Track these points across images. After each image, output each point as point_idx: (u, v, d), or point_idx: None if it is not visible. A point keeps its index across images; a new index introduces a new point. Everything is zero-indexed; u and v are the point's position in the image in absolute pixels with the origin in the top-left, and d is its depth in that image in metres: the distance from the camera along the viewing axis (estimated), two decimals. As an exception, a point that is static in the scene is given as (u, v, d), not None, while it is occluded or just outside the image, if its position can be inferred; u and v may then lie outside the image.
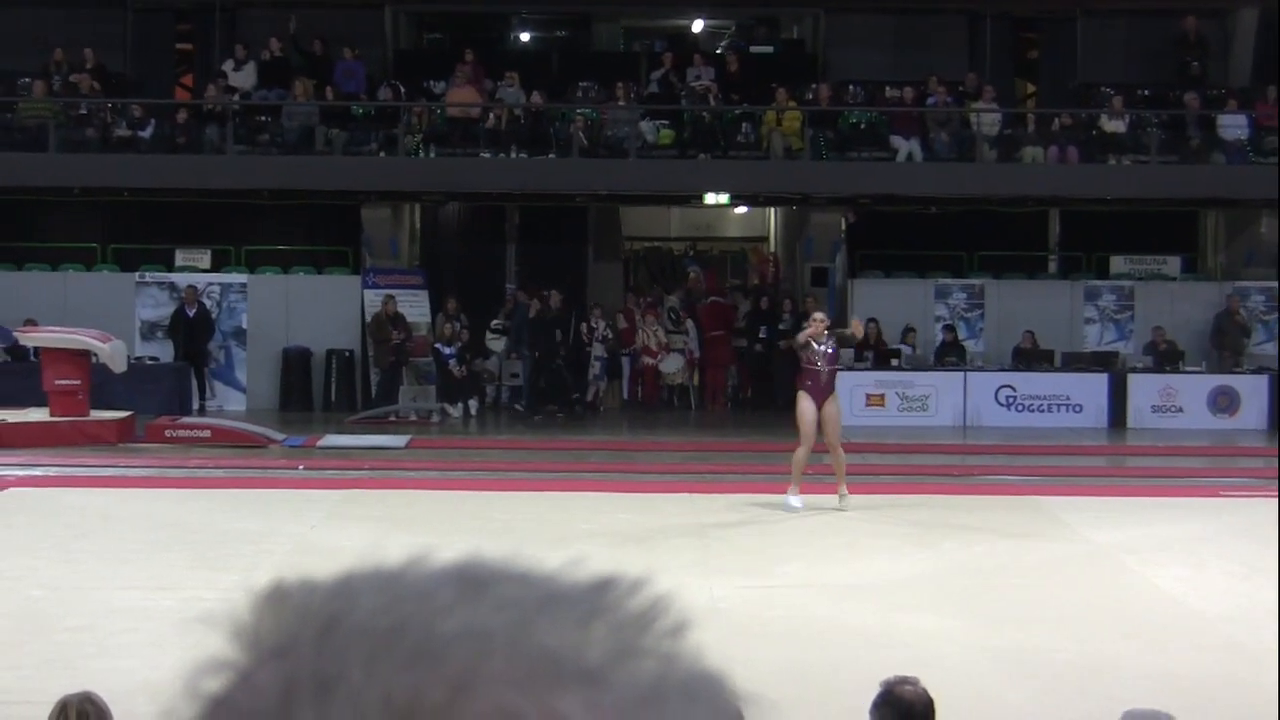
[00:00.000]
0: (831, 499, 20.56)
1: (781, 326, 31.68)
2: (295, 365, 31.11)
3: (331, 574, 0.76)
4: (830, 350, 20.49)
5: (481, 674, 0.69)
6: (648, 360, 32.11)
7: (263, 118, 31.81)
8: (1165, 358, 30.57)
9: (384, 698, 0.69)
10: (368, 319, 30.84)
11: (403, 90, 32.37)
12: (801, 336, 20.76)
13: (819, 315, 21.50)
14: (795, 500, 20.11)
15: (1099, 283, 32.29)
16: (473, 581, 0.75)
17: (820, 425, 20.21)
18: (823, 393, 20.24)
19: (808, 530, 18.93)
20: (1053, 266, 34.39)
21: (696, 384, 32.62)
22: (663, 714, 0.72)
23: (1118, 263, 32.69)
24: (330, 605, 0.74)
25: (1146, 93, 33.36)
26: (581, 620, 0.74)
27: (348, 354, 31.23)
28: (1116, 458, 27.84)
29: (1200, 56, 33.58)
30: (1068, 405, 29.98)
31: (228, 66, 32.41)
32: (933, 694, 7.20)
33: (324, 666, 0.70)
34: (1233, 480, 23.96)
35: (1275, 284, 32.07)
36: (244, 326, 31.35)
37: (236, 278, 31.92)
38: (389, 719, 0.68)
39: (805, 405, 20.21)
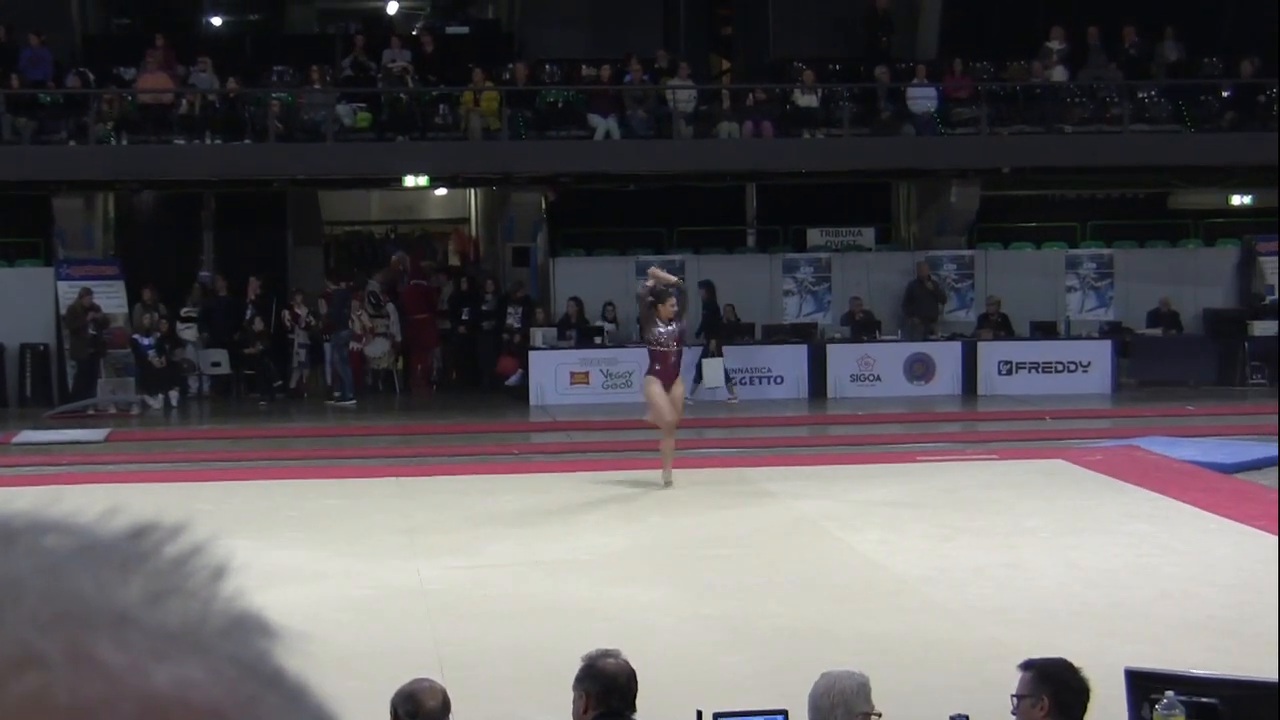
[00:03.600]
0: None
1: (484, 307, 31.70)
2: (-12, 361, 30.31)
3: None
4: (678, 330, 20.29)
5: (4, 618, 0.70)
6: (353, 345, 31.85)
7: (-55, 107, 30.90)
8: (862, 327, 31.16)
9: None
10: (63, 311, 30.14)
11: (92, 77, 31.65)
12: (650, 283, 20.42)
13: (660, 274, 21.11)
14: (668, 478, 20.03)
15: (796, 255, 32.72)
16: (6, 531, 0.75)
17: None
18: (670, 375, 20.08)
19: (516, 510, 18.96)
20: (751, 240, 34.82)
21: (401, 368, 32.45)
22: (195, 650, 0.73)
23: (814, 235, 33.17)
24: None
25: (838, 67, 33.91)
26: (116, 566, 0.75)
27: (42, 348, 30.48)
28: (818, 427, 28.32)
29: (888, 31, 34.23)
30: (769, 377, 30.41)
31: (-94, 55, 31.43)
32: (647, 663, 7.28)
33: None
34: (929, 445, 24.52)
35: (965, 251, 32.87)
36: (-69, 322, 30.43)
37: (-78, 272, 31.00)
38: None
39: (655, 389, 19.98)
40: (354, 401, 30.27)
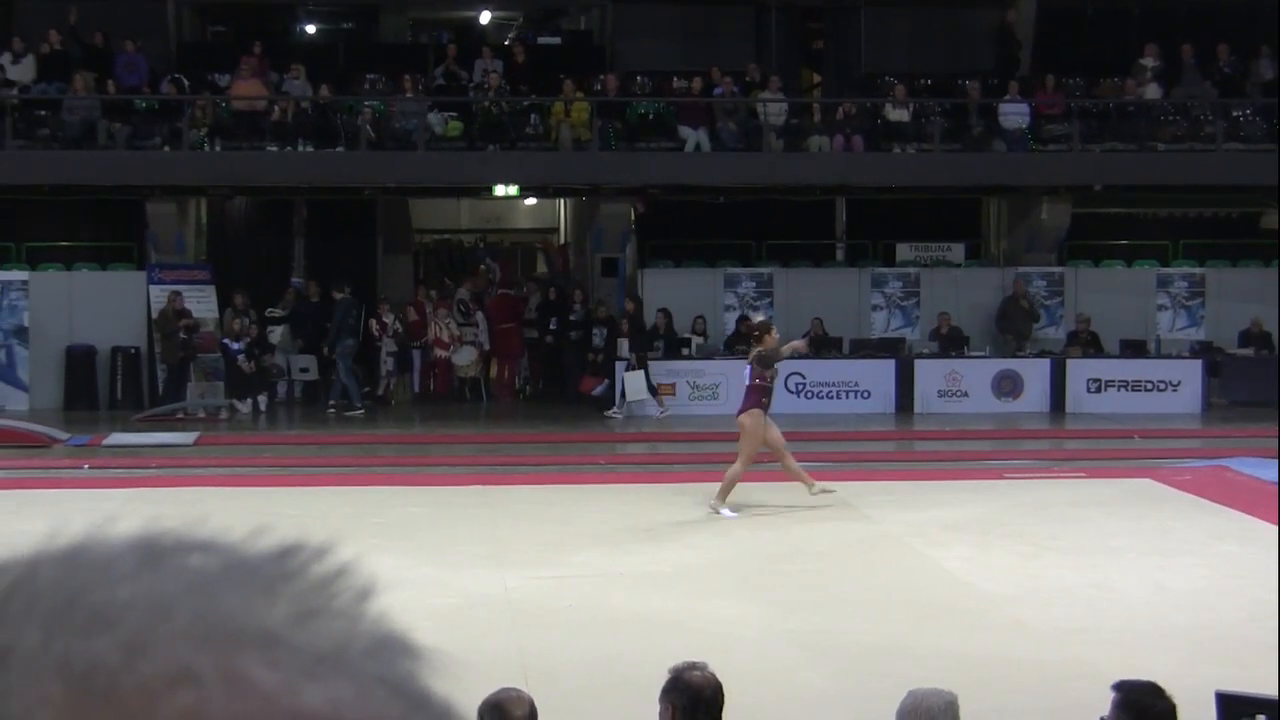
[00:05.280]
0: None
1: (572, 317, 31.71)
2: (79, 363, 30.58)
3: (15, 552, 0.77)
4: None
5: (158, 636, 0.71)
6: (440, 353, 31.98)
7: (42, 112, 31.18)
8: (949, 342, 31.02)
9: (60, 663, 0.70)
10: (154, 315, 30.39)
11: (186, 83, 31.90)
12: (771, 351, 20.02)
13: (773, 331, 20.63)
14: (729, 510, 19.54)
15: (885, 270, 32.67)
16: (154, 550, 0.76)
17: (768, 442, 19.84)
18: (767, 410, 19.97)
19: (602, 520, 18.98)
20: (840, 254, 34.75)
21: (490, 375, 32.55)
22: (344, 670, 0.74)
23: (903, 250, 33.08)
24: (9, 579, 0.75)
25: (929, 82, 33.82)
26: (264, 585, 0.76)
27: (133, 351, 30.75)
28: (904, 442, 28.21)
29: (1018, 46, 34.02)
30: (856, 391, 30.32)
31: (5, 59, 31.68)
32: (729, 678, 7.25)
33: (1, 637, 0.72)
34: (1016, 462, 24.37)
35: (1055, 268, 32.70)
36: (25, 325, 30.73)
37: (17, 275, 31.29)
38: (65, 684, 0.69)
39: (754, 424, 19.62)
40: (361, 410, 30.36)
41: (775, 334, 20.42)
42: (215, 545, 0.78)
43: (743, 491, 20.15)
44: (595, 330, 31.04)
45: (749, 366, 20.08)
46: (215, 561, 0.76)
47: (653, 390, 29.80)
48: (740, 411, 19.98)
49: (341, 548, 0.79)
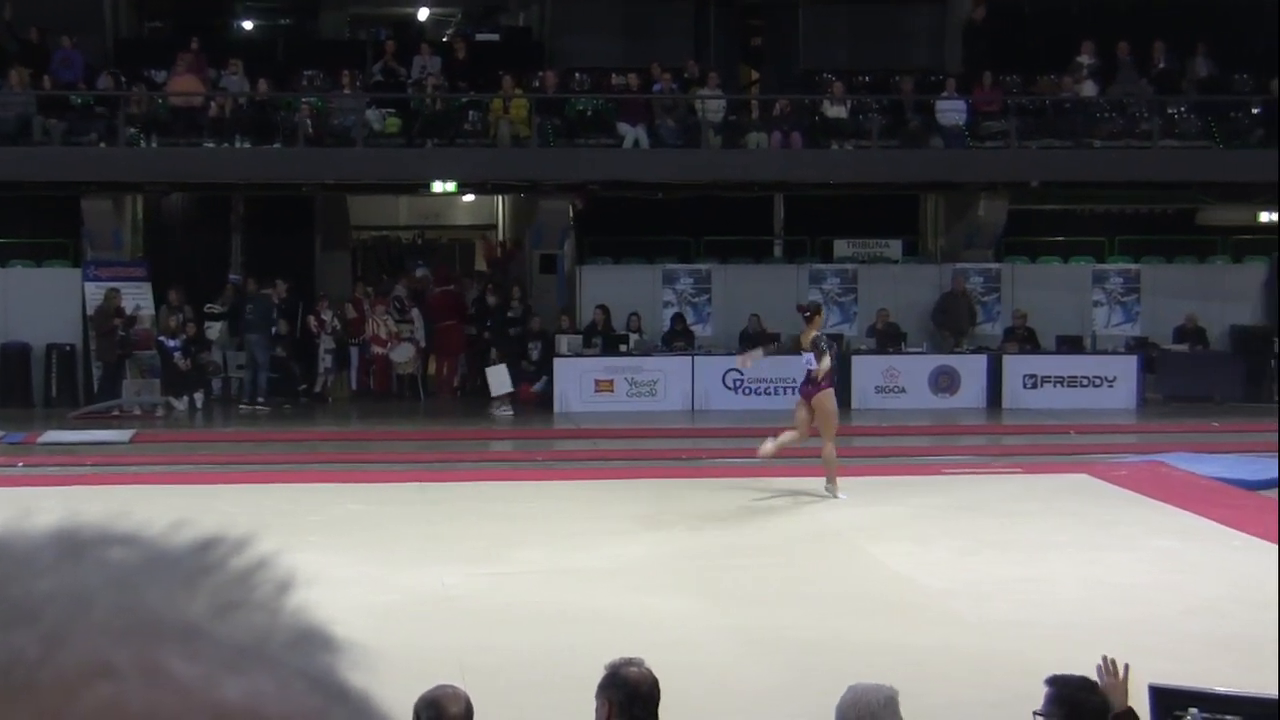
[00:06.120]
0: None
1: (510, 314, 31.63)
2: (14, 361, 30.35)
3: None
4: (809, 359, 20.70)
5: (78, 629, 0.71)
6: (377, 350, 31.86)
7: (-24, 107, 30.97)
8: (887, 339, 31.10)
9: None
10: (90, 312, 30.19)
11: (123, 79, 31.72)
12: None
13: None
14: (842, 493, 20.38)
15: (823, 266, 32.69)
16: (74, 543, 0.76)
17: (798, 421, 20.68)
18: (809, 394, 20.68)
19: (541, 517, 18.96)
20: (778, 250, 34.77)
21: (430, 373, 32.43)
22: (264, 663, 0.74)
23: (841, 246, 33.12)
24: None
25: (867, 79, 33.88)
26: (184, 578, 0.76)
27: (68, 349, 30.54)
28: (842, 438, 28.16)
29: (982, 40, 34.07)
30: (793, 388, 30.17)
31: (-62, 54, 31.51)
32: (672, 673, 7.26)
33: None
34: (954, 458, 24.44)
35: (992, 265, 32.81)
36: (-42, 322, 30.52)
37: (-49, 272, 31.08)
38: None
39: (830, 405, 20.54)
40: (264, 406, 30.34)
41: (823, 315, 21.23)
42: (136, 538, 0.77)
43: (683, 491, 20.19)
44: (531, 345, 30.84)
45: (810, 354, 20.41)
46: (136, 555, 0.76)
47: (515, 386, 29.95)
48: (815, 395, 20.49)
49: (261, 541, 0.79)
